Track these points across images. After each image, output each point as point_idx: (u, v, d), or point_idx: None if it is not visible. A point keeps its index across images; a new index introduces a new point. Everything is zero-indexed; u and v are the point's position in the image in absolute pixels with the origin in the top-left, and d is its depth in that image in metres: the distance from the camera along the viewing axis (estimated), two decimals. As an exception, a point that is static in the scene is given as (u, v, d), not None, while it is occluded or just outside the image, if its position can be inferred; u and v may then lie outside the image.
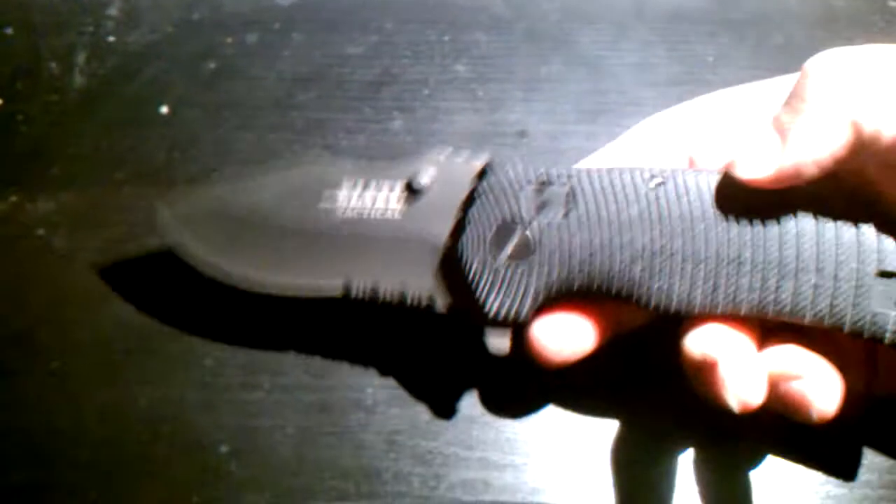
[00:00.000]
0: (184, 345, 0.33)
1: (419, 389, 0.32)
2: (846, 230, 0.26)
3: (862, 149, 0.24)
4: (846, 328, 0.26)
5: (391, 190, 0.30)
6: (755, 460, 0.31)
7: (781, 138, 0.25)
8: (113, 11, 0.41)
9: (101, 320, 0.34)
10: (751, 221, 0.26)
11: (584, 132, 0.37)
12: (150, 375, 0.33)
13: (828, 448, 0.31)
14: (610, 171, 0.27)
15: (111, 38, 0.40)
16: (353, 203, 0.30)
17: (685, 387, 0.27)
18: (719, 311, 0.26)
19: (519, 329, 0.28)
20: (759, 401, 0.25)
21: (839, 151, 0.24)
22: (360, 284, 0.29)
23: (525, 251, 0.27)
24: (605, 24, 0.40)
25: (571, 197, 0.27)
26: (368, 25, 0.40)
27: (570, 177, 0.28)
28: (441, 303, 0.29)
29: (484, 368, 0.32)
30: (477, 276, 0.28)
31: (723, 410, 0.25)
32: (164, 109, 0.39)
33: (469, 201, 0.28)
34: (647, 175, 0.27)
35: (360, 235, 0.29)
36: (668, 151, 0.29)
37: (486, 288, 0.27)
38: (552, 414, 0.32)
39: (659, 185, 0.27)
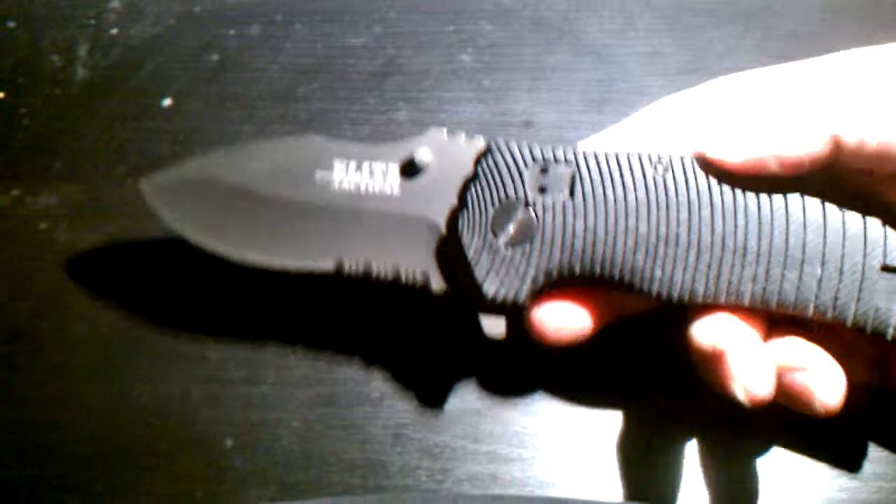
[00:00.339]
0: (188, 339, 0.33)
1: (425, 382, 0.32)
2: (852, 224, 0.26)
3: (844, 157, 0.25)
4: (849, 322, 0.25)
5: (390, 167, 0.29)
6: (763, 451, 0.30)
7: (757, 130, 0.26)
8: (115, 4, 0.41)
9: (103, 314, 0.34)
10: (757, 211, 0.26)
11: (590, 122, 0.37)
12: (154, 370, 0.33)
13: (834, 440, 0.30)
14: (616, 154, 0.27)
15: (113, 31, 0.40)
16: (350, 177, 0.29)
17: (693, 377, 0.26)
18: (722, 301, 0.26)
19: (517, 313, 0.27)
20: (767, 392, 0.25)
21: (811, 156, 0.25)
22: (354, 261, 0.28)
23: (526, 233, 0.27)
24: (612, 13, 0.40)
25: (575, 179, 0.27)
26: (372, 16, 0.40)
27: (573, 158, 0.27)
28: (436, 283, 0.28)
29: (491, 360, 0.32)
30: (476, 257, 0.27)
31: (730, 401, 0.25)
32: (167, 102, 0.38)
33: (470, 181, 0.28)
34: (653, 160, 0.27)
35: (357, 210, 0.29)
36: (673, 136, 0.28)
37: (485, 269, 0.27)
38: (560, 407, 0.32)
39: (664, 170, 0.26)
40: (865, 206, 0.26)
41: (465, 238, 0.27)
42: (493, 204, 0.27)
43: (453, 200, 0.28)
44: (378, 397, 0.32)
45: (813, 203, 0.26)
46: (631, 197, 0.26)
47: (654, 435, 0.31)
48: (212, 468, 0.31)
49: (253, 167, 0.30)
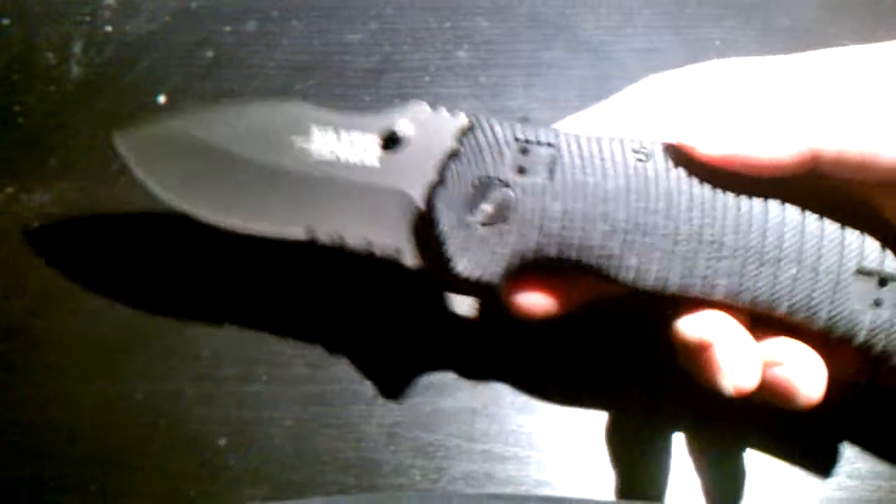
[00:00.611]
0: (181, 337, 0.33)
1: (419, 380, 0.32)
2: (830, 224, 0.25)
3: (824, 167, 0.25)
4: (820, 324, 0.25)
5: (370, 137, 0.28)
6: (762, 451, 0.30)
7: (734, 125, 0.25)
8: (109, 1, 0.41)
9: (98, 312, 0.34)
10: (736, 205, 0.26)
11: (587, 118, 0.37)
12: (148, 368, 0.33)
13: (832, 439, 0.30)
14: (597, 139, 0.27)
15: (108, 28, 0.40)
16: (329, 146, 0.28)
17: (683, 372, 0.26)
18: (695, 293, 0.26)
19: (488, 294, 0.27)
20: (754, 384, 0.25)
21: (780, 163, 0.25)
22: (328, 231, 0.28)
23: (503, 212, 0.26)
24: (610, 9, 0.39)
25: (556, 161, 0.26)
26: (368, 12, 0.40)
27: (556, 140, 0.27)
28: (410, 259, 0.28)
29: (488, 358, 0.32)
30: (450, 234, 0.27)
31: (716, 394, 0.25)
32: (162, 99, 0.38)
33: (450, 157, 0.27)
34: (634, 146, 0.26)
35: (333, 179, 0.28)
36: (655, 117, 0.28)
37: (458, 246, 0.27)
38: (555, 406, 0.31)
39: (645, 158, 0.26)
40: (847, 209, 0.25)
41: (441, 214, 0.27)
42: (471, 181, 0.27)
43: (432, 175, 0.28)
44: (372, 396, 0.32)
45: (793, 201, 0.25)
46: (611, 183, 0.26)
47: (644, 429, 0.31)
48: (205, 467, 0.31)
49: (231, 128, 0.29)
